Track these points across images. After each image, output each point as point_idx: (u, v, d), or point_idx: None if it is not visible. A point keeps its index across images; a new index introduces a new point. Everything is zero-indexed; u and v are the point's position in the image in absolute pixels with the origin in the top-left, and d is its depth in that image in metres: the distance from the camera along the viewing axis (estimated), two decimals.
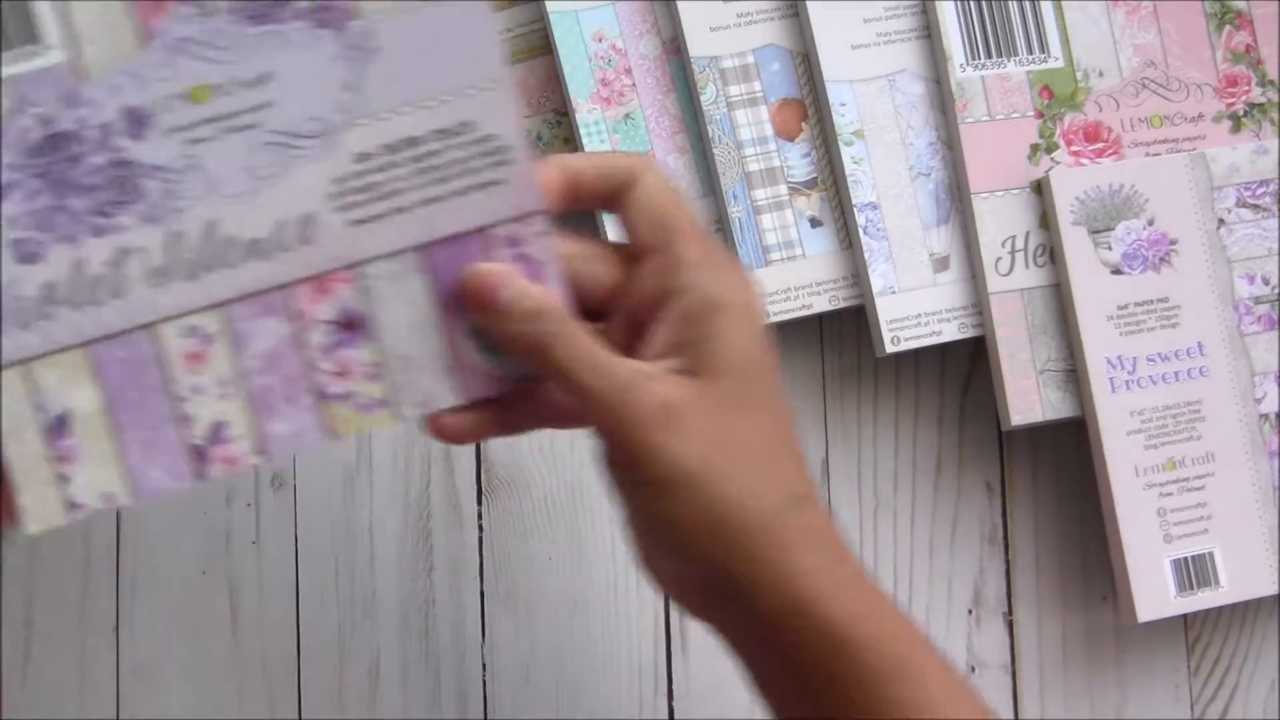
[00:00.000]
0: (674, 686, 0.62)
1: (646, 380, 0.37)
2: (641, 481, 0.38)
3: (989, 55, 0.60)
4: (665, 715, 0.62)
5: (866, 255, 0.59)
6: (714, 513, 0.37)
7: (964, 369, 0.63)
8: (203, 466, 0.40)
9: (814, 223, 0.60)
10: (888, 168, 0.60)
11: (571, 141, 0.61)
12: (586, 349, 0.38)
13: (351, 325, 0.40)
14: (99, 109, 0.39)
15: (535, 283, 0.40)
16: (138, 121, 0.39)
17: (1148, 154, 0.61)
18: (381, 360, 0.41)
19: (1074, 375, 0.60)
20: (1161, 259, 0.60)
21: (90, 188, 0.39)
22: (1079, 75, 0.61)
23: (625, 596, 0.62)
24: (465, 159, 0.40)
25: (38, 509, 0.39)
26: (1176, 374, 0.59)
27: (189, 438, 0.40)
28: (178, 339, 0.40)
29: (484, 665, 0.62)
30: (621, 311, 0.40)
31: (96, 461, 0.40)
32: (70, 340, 0.39)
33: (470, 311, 0.40)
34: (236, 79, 0.39)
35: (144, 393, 0.40)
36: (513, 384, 0.41)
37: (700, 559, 0.37)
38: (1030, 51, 0.60)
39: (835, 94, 0.60)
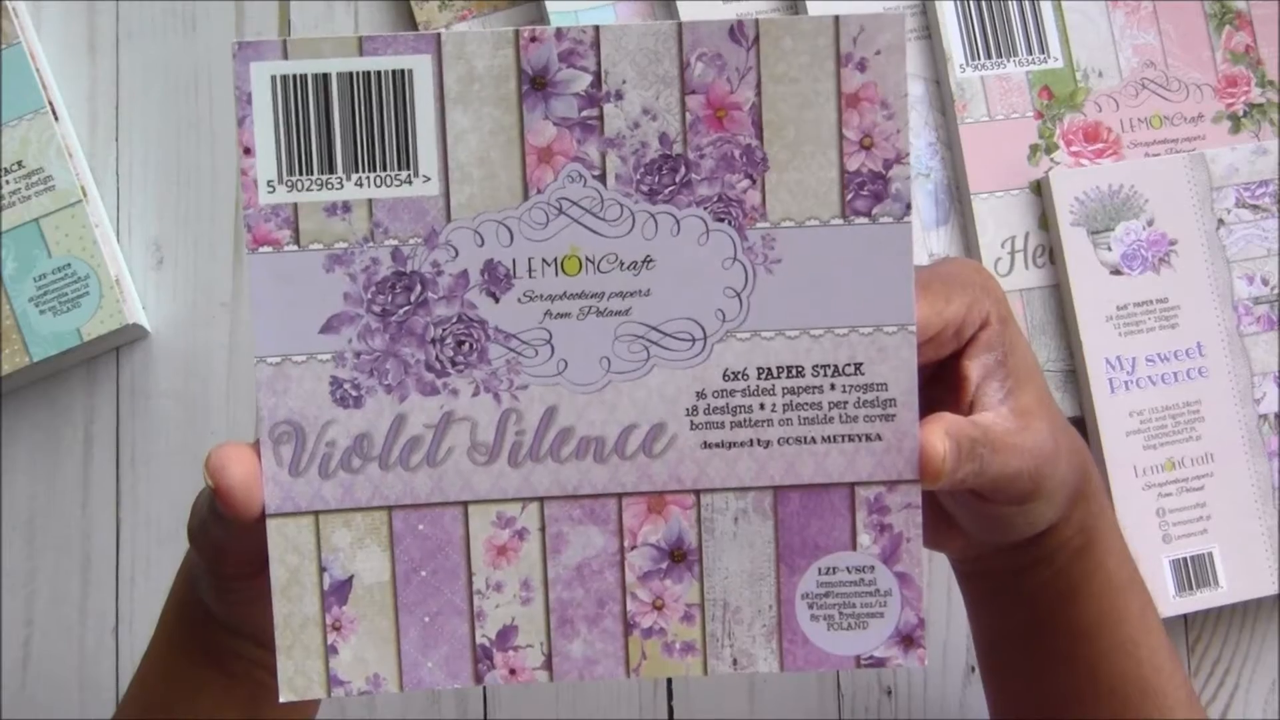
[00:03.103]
0: (674, 685, 0.62)
1: (1029, 434, 0.38)
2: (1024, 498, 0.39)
3: (989, 56, 0.60)
4: (665, 714, 0.62)
5: None
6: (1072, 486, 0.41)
7: None
8: (483, 670, 0.36)
9: None
10: None
11: None
12: (1003, 440, 0.37)
13: (679, 556, 0.36)
14: (458, 256, 0.35)
15: (889, 564, 0.36)
16: (497, 279, 0.35)
17: (1147, 154, 0.61)
18: (703, 602, 0.36)
19: (1073, 375, 0.60)
20: (1161, 259, 0.60)
21: (430, 340, 0.35)
22: (1078, 76, 0.61)
23: None
24: (845, 403, 0.36)
25: (296, 677, 0.36)
26: (1175, 374, 0.59)
27: (476, 635, 0.36)
28: (488, 526, 0.36)
29: None
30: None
31: (370, 639, 0.36)
32: (372, 501, 0.36)
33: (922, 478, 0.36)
34: (614, 256, 0.35)
35: (439, 575, 0.36)
36: (840, 665, 0.37)
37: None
38: (1030, 52, 0.60)
39: None
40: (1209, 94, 0.61)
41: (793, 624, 0.36)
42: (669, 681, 0.62)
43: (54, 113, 0.60)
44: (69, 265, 0.59)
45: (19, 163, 0.60)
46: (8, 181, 0.60)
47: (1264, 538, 0.59)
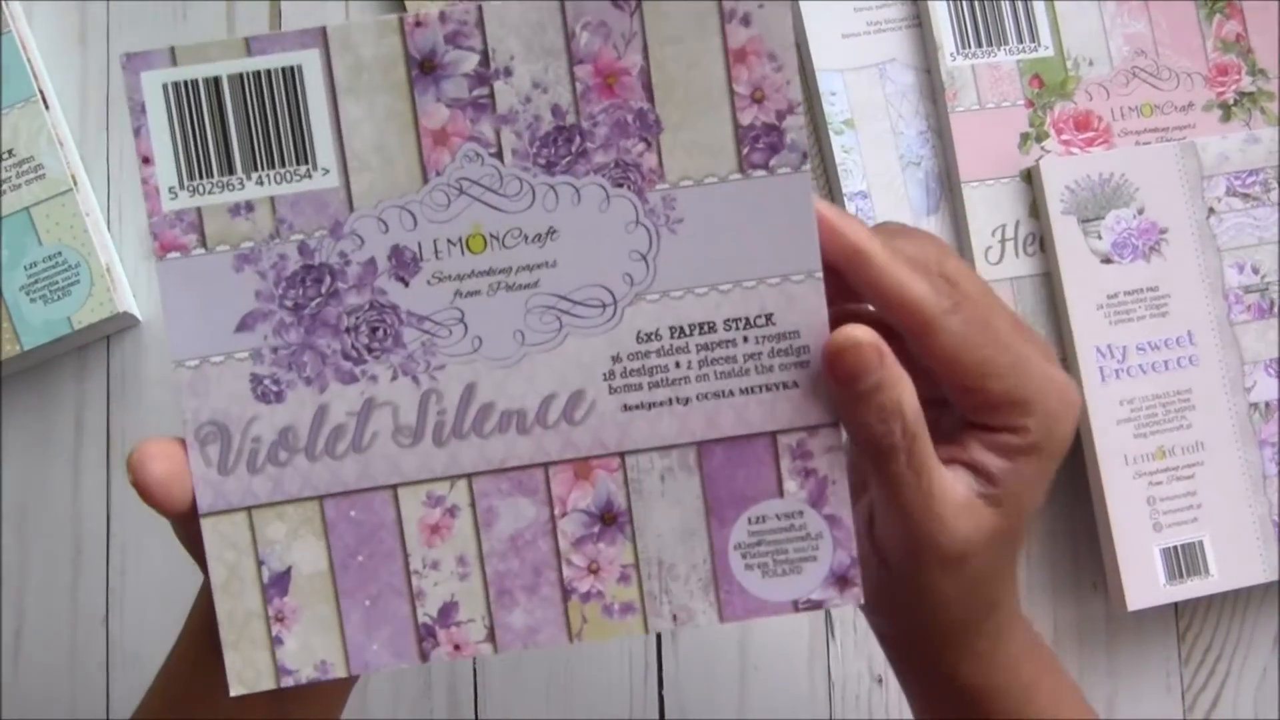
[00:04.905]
0: (664, 680, 0.62)
1: (955, 519, 0.37)
2: (896, 583, 0.39)
3: (979, 44, 0.60)
4: (656, 708, 0.62)
5: None
6: (926, 624, 0.40)
7: None
8: (428, 648, 0.37)
9: None
10: (878, 157, 0.60)
11: None
12: (927, 472, 0.36)
13: (610, 519, 0.37)
14: (364, 244, 0.35)
15: (817, 507, 0.36)
16: (404, 264, 0.36)
17: (1138, 143, 0.61)
18: (638, 562, 0.37)
19: (1064, 364, 0.60)
20: (1151, 248, 0.60)
21: (344, 329, 0.36)
22: (1069, 64, 0.61)
23: None
24: (759, 354, 0.36)
25: (245, 670, 0.36)
26: (1166, 363, 0.59)
27: (418, 614, 0.37)
28: (419, 507, 0.36)
29: (474, 661, 0.62)
30: (934, 355, 0.37)
31: (314, 626, 0.36)
32: (302, 492, 0.36)
33: (829, 377, 0.35)
34: (518, 231, 0.36)
35: (375, 559, 0.36)
36: (779, 612, 0.37)
37: (911, 638, 0.41)
38: (1020, 40, 0.60)
39: (825, 83, 0.60)
40: (1199, 82, 0.61)
41: (728, 575, 0.37)
42: (659, 676, 0.62)
43: (45, 101, 0.60)
44: (60, 254, 0.59)
45: (10, 151, 0.60)
46: None
47: (1254, 526, 0.59)
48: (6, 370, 0.61)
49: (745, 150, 0.36)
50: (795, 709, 0.61)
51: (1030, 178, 0.60)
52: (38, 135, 0.60)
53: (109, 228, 0.62)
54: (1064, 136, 0.60)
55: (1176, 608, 0.62)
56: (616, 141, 0.35)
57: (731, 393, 0.36)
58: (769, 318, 0.36)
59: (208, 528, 0.36)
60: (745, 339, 0.36)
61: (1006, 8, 0.60)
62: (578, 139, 0.35)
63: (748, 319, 0.36)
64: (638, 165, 0.36)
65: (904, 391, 0.35)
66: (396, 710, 0.61)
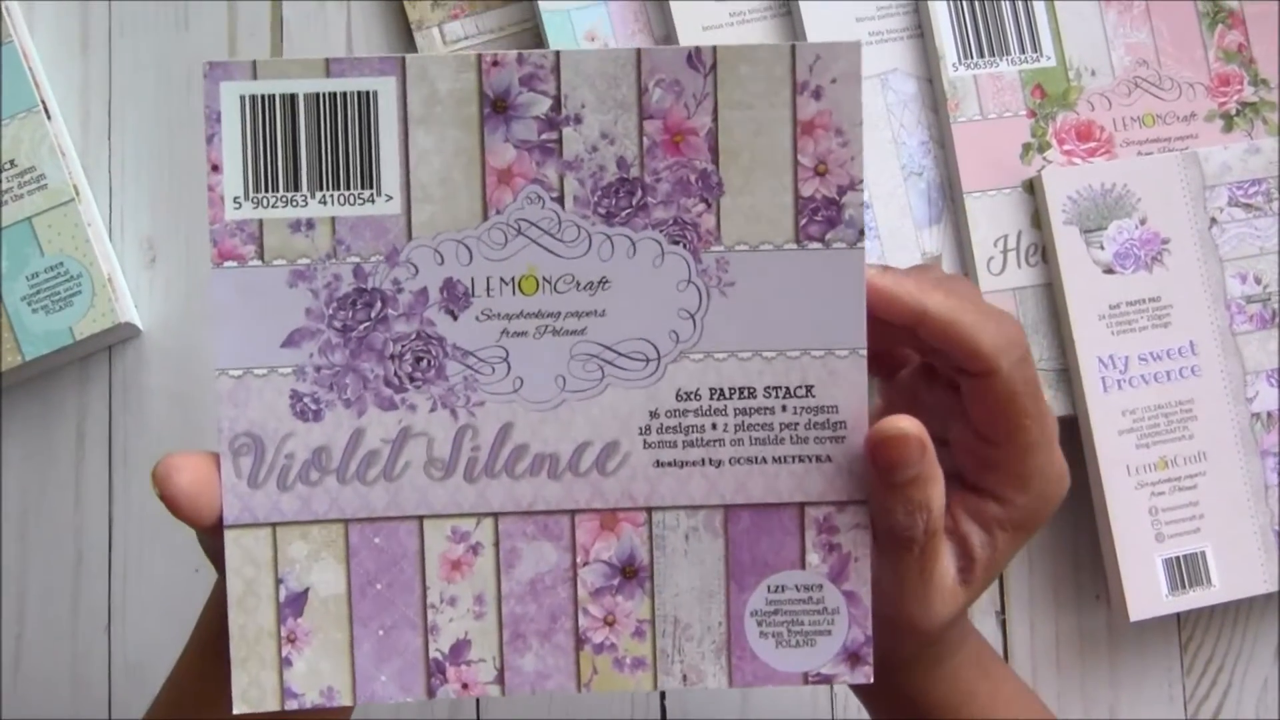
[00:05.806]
0: None
1: (941, 605, 0.38)
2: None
3: (981, 54, 0.60)
4: (657, 709, 0.62)
5: None
6: (879, 659, 0.39)
7: None
8: (435, 684, 0.37)
9: None
10: (880, 167, 0.60)
11: None
12: (932, 564, 0.37)
13: (631, 573, 0.37)
14: (418, 274, 0.36)
15: (837, 582, 0.36)
16: (456, 298, 0.36)
17: (1140, 153, 0.61)
18: (654, 618, 0.37)
19: (1066, 374, 0.60)
20: (1153, 258, 0.59)
21: (389, 356, 0.36)
22: (1071, 74, 0.61)
23: None
24: (795, 424, 0.36)
25: (250, 689, 0.36)
26: (1168, 373, 0.59)
27: (429, 649, 0.37)
28: (443, 541, 0.36)
29: None
30: (958, 425, 0.38)
31: (325, 651, 0.36)
32: (329, 514, 0.36)
33: (869, 461, 0.36)
34: (571, 277, 0.36)
35: (393, 589, 0.36)
36: (788, 682, 0.37)
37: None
38: (1023, 50, 0.60)
39: None
40: (1201, 93, 0.61)
41: (741, 641, 0.37)
42: None
43: (46, 111, 0.60)
44: (61, 264, 0.59)
45: (11, 161, 0.60)
46: (0, 180, 0.60)
47: (1256, 536, 0.59)
48: (8, 380, 0.61)
49: (803, 221, 0.36)
50: (797, 710, 0.61)
51: (1032, 188, 0.60)
52: (39, 145, 0.60)
53: (111, 238, 0.62)
54: (1066, 147, 0.60)
55: (1179, 618, 0.62)
56: (677, 199, 0.36)
57: (764, 460, 0.36)
58: (809, 389, 0.36)
59: (230, 540, 0.36)
60: (784, 408, 0.36)
61: (1009, 18, 0.60)
62: (639, 192, 0.36)
63: (788, 388, 0.36)
64: (695, 225, 0.36)
65: (935, 490, 0.35)
66: (399, 710, 0.61)
